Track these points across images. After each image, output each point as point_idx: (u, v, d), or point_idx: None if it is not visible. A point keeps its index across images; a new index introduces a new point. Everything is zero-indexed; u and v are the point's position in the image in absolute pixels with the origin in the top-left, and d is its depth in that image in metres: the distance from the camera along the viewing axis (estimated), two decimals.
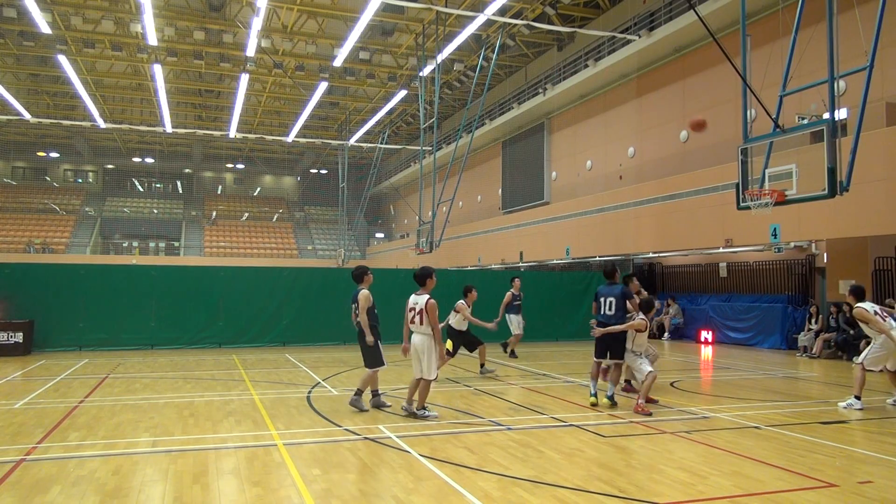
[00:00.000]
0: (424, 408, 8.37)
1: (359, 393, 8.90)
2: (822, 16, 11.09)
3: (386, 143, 41.50)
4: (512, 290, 15.43)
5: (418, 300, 8.28)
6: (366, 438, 7.27)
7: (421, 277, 8.44)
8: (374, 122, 39.99)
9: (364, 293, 9.05)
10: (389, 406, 9.02)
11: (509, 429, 7.82)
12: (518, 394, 10.45)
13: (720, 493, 5.45)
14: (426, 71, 27.70)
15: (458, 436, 7.44)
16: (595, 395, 9.24)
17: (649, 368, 8.98)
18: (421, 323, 8.19)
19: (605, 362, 9.35)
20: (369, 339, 8.85)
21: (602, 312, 9.26)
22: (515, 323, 15.46)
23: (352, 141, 41.62)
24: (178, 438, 7.27)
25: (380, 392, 9.29)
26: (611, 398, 9.17)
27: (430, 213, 26.06)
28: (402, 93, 32.87)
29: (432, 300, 8.16)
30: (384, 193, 56.36)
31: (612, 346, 9.14)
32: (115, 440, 7.19)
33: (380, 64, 32.10)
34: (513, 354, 15.54)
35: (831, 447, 7.05)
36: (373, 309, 9.07)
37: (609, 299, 9.22)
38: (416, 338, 8.31)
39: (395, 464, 6.27)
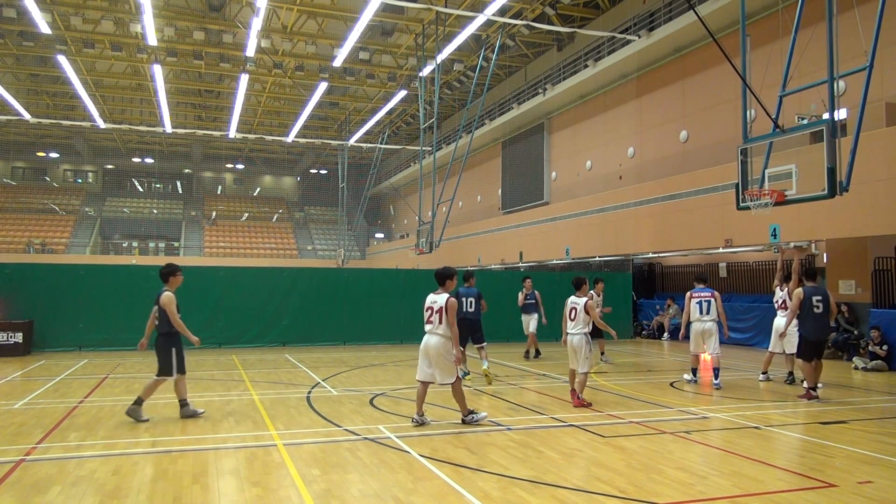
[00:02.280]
0: (472, 411, 8.08)
1: (139, 402, 8.25)
2: (821, 16, 11.09)
3: (386, 143, 41.50)
4: (524, 290, 15.46)
5: (437, 299, 7.90)
6: (366, 439, 7.27)
7: (441, 277, 8.06)
8: (374, 122, 39.98)
9: (168, 295, 8.50)
10: (203, 412, 8.48)
11: (509, 429, 7.81)
12: (517, 394, 10.45)
13: (720, 493, 5.45)
14: (426, 71, 27.70)
15: (458, 436, 7.44)
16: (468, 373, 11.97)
17: (585, 369, 9.21)
18: (440, 322, 7.79)
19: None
20: (194, 340, 8.32)
21: (465, 310, 11.65)
22: (527, 323, 15.45)
23: (352, 141, 41.61)
24: (177, 438, 7.28)
25: (188, 402, 8.58)
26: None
27: (429, 213, 26.06)
28: (402, 93, 32.86)
29: (453, 299, 7.82)
30: (384, 193, 56.36)
31: (473, 335, 11.82)
32: (115, 440, 7.19)
33: (380, 64, 32.09)
34: (537, 355, 15.56)
35: (831, 447, 7.05)
36: (177, 311, 8.51)
37: (469, 299, 11.89)
38: (431, 339, 7.85)
39: (394, 464, 6.27)
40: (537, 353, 15.59)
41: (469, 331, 11.71)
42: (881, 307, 14.95)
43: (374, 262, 48.87)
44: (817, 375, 10.14)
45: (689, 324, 11.57)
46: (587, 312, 9.18)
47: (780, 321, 11.71)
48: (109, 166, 57.04)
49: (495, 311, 18.93)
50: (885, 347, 13.87)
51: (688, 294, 11.74)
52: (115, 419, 8.25)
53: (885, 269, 15.26)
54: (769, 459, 6.52)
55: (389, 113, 40.25)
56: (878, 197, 14.03)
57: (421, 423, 7.92)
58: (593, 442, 7.22)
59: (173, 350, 8.36)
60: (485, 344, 12.00)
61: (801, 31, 11.97)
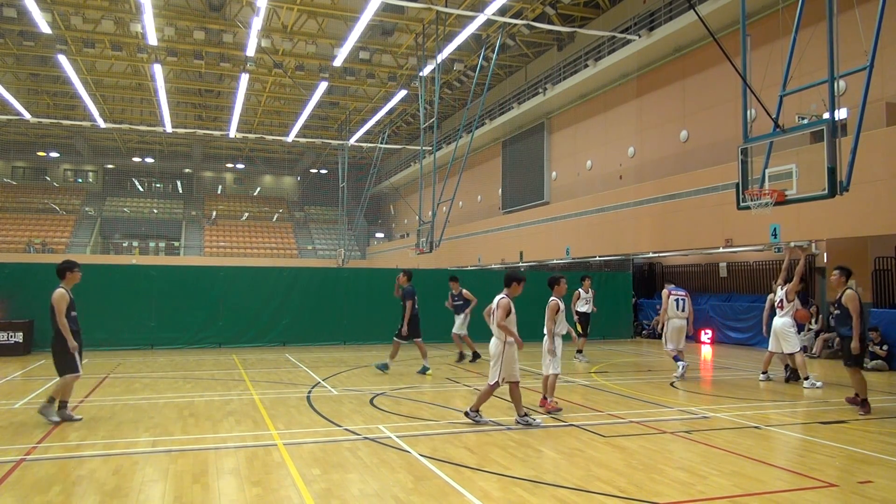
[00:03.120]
0: (526, 414, 8.04)
1: (51, 400, 7.99)
2: (822, 16, 11.08)
3: (386, 143, 41.50)
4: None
5: (496, 299, 7.97)
6: (366, 438, 7.27)
7: (507, 279, 8.08)
8: (374, 121, 39.99)
9: (59, 292, 7.93)
10: (80, 419, 8.10)
11: (509, 429, 7.81)
12: None
13: (720, 493, 5.45)
14: (426, 71, 27.69)
15: (459, 436, 7.45)
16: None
17: (554, 371, 8.88)
18: (491, 322, 7.92)
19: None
20: (72, 344, 7.87)
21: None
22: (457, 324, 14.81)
23: (352, 141, 41.62)
24: (177, 438, 7.28)
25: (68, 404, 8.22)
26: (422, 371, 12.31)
27: (430, 212, 26.06)
28: (402, 93, 32.86)
29: (505, 299, 7.83)
30: (384, 193, 56.36)
31: (411, 329, 12.58)
32: (115, 440, 7.20)
33: (380, 64, 32.09)
34: (474, 358, 14.50)
35: (831, 447, 7.05)
36: (71, 309, 7.97)
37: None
38: (492, 339, 7.95)
39: (395, 464, 6.27)
40: (475, 355, 14.46)
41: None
42: (881, 307, 14.95)
43: (374, 261, 48.86)
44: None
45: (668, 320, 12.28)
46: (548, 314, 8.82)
47: (779, 321, 11.71)
48: (109, 166, 57.06)
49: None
50: (884, 347, 13.88)
51: (665, 291, 12.44)
52: (116, 419, 8.25)
53: (885, 269, 15.25)
54: (769, 459, 6.52)
55: (390, 113, 40.25)
56: (879, 197, 14.03)
57: (526, 424, 7.91)
58: (593, 442, 7.22)
59: (68, 348, 7.89)
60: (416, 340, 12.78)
61: (802, 31, 11.97)
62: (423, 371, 12.57)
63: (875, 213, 14.18)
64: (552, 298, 8.86)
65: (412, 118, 41.86)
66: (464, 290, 14.57)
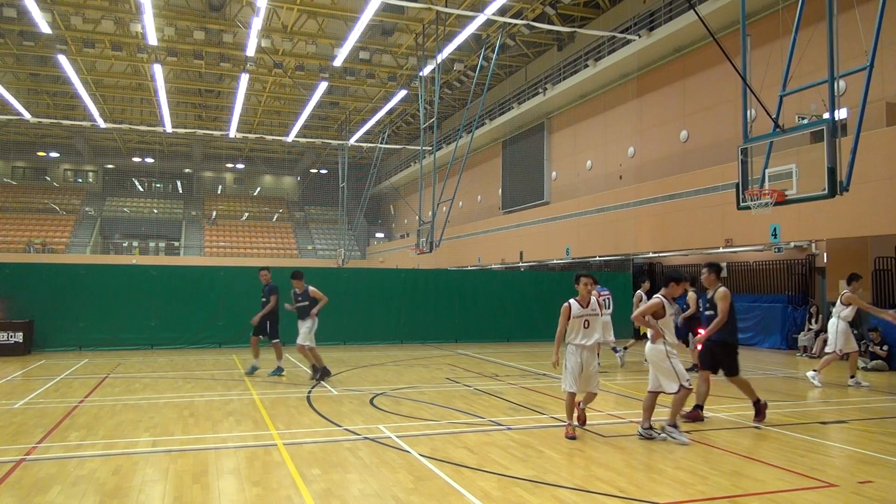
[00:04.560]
0: (675, 425, 7.33)
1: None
2: (822, 16, 11.09)
3: (386, 143, 41.51)
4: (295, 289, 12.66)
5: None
6: (366, 438, 7.27)
7: (666, 280, 7.64)
8: (374, 121, 39.99)
9: None
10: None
11: (509, 429, 7.82)
12: (518, 394, 10.45)
13: (720, 492, 5.45)
14: (426, 71, 27.70)
15: (459, 436, 7.45)
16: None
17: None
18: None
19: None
20: None
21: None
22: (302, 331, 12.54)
23: (352, 141, 41.62)
24: (177, 438, 7.28)
25: None
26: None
27: (430, 212, 26.07)
28: (402, 93, 32.86)
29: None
30: (384, 193, 56.36)
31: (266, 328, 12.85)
32: (115, 440, 7.20)
33: (380, 64, 32.09)
34: (324, 374, 12.06)
35: (831, 447, 7.05)
36: None
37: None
38: (647, 345, 7.57)
39: (395, 464, 6.27)
40: (323, 372, 11.93)
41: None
42: (882, 307, 14.93)
43: (374, 261, 48.87)
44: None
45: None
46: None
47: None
48: (109, 166, 57.04)
49: (488, 310, 18.99)
50: (884, 348, 13.88)
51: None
52: (116, 419, 8.26)
53: (886, 269, 15.25)
54: (769, 459, 6.52)
55: (390, 113, 40.25)
56: (879, 197, 14.02)
57: (648, 437, 7.32)
58: (594, 442, 7.22)
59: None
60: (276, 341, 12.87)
61: (802, 31, 11.98)
62: (278, 372, 12.45)
63: (875, 213, 14.18)
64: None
65: (412, 118, 41.86)
66: (310, 288, 12.38)
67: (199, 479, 5.76)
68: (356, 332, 18.70)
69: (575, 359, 7.48)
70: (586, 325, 7.49)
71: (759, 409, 8.41)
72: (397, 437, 7.32)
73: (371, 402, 9.59)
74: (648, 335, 7.45)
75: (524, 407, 9.29)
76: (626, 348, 14.69)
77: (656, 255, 22.66)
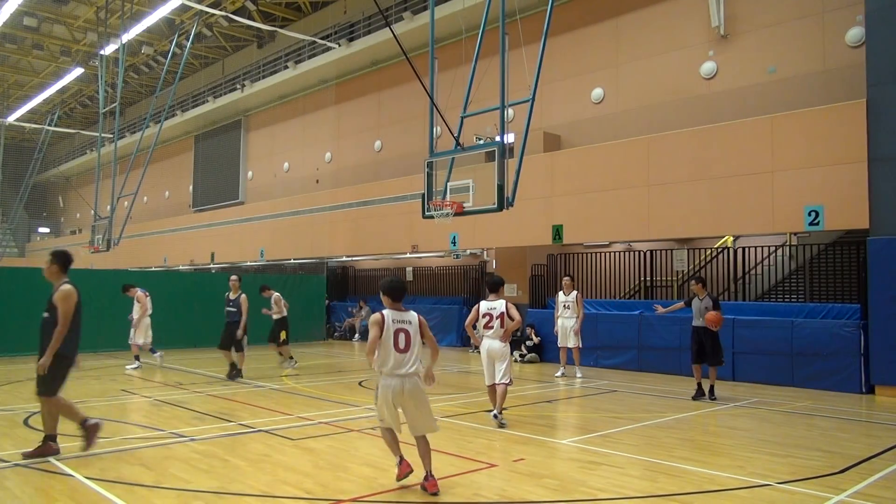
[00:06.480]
0: (496, 414, 8.30)
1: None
2: (497, 49, 12.49)
3: (55, 126, 36.47)
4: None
5: (495, 305, 8.20)
6: (17, 465, 6.25)
7: (495, 285, 8.41)
8: (42, 99, 35.08)
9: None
10: None
11: (192, 440, 7.37)
12: (203, 402, 9.91)
13: (399, 483, 5.76)
14: (108, 50, 25.03)
15: (133, 452, 6.81)
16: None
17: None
18: (502, 327, 8.12)
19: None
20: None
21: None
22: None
23: (10, 119, 35.85)
24: None
25: None
26: None
27: (108, 207, 23.49)
28: (78, 70, 29.31)
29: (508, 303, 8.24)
30: (52, 182, 49.56)
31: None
32: None
33: (50, 35, 28.19)
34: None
35: (494, 432, 7.94)
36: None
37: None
38: (493, 343, 8.20)
39: (53, 491, 5.49)
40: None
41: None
42: (536, 307, 17.30)
43: (35, 260, 42.47)
44: None
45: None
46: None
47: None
48: None
49: (178, 314, 17.94)
50: (538, 341, 16.10)
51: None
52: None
53: (539, 275, 17.71)
54: (443, 448, 7.06)
55: (61, 91, 35.56)
56: (535, 212, 16.28)
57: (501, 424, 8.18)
58: (282, 445, 7.16)
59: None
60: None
61: (481, 61, 13.37)
62: None
63: (532, 226, 16.43)
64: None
65: (90, 100, 37.40)
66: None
67: None
68: (6, 343, 15.92)
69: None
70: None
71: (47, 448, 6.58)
72: (56, 459, 6.42)
73: (25, 422, 8.29)
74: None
75: (210, 415, 8.83)
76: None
77: (350, 258, 23.37)
